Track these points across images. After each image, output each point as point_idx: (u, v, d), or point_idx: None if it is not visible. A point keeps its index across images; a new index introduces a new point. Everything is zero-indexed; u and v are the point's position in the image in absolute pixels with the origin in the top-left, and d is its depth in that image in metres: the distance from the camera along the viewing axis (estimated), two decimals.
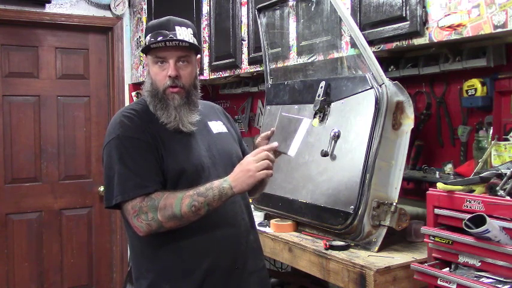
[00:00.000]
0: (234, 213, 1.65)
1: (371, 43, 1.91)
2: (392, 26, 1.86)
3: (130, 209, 1.51)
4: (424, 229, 1.54)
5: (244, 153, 1.77)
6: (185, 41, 1.58)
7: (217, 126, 1.75)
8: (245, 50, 2.82)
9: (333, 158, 1.90)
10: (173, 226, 1.50)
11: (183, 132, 1.61)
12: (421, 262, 1.56)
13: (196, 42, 1.64)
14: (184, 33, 1.59)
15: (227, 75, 3.04)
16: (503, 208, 1.34)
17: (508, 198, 1.38)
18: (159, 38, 1.56)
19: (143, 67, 3.60)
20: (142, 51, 1.64)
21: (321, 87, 2.01)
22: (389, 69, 2.14)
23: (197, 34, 1.83)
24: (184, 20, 1.66)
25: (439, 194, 1.52)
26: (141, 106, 1.65)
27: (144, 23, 3.56)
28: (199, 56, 1.71)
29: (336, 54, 2.14)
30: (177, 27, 1.59)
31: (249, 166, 1.47)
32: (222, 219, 1.62)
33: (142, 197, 1.50)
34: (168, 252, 1.58)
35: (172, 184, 1.55)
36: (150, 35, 1.61)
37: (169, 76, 1.58)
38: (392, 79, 1.90)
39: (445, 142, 2.15)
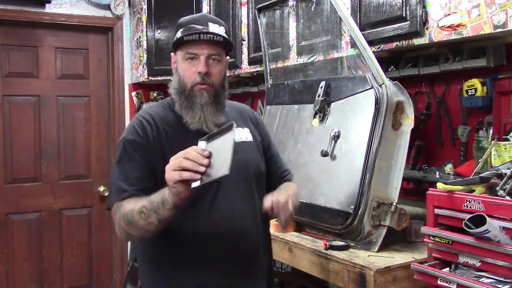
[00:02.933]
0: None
1: (371, 43, 1.91)
2: (392, 26, 1.86)
3: (112, 215, 1.50)
4: (424, 229, 1.54)
5: (271, 159, 1.73)
6: (220, 35, 1.53)
7: (242, 134, 1.65)
8: (245, 50, 2.83)
9: (333, 158, 1.90)
10: (139, 235, 1.46)
11: (206, 135, 1.48)
12: (421, 262, 1.56)
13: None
14: (217, 30, 1.55)
15: (227, 75, 3.04)
16: (503, 208, 1.34)
17: (508, 198, 1.38)
18: (191, 32, 1.52)
19: (143, 67, 3.60)
20: (173, 45, 1.59)
21: (321, 87, 2.01)
22: (389, 69, 2.14)
23: (229, 33, 1.77)
24: (217, 18, 1.64)
25: (439, 194, 1.52)
26: (162, 108, 1.62)
27: (144, 23, 3.56)
28: (228, 57, 1.66)
29: (336, 54, 2.14)
30: (210, 24, 1.56)
31: (170, 162, 1.31)
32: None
33: (120, 202, 1.47)
34: (166, 268, 1.55)
35: None
36: (182, 29, 1.56)
37: (199, 72, 1.53)
38: (393, 79, 1.90)
39: (445, 142, 2.15)
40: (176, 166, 1.27)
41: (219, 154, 1.29)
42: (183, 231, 1.51)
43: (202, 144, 1.35)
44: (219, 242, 1.52)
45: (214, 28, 1.55)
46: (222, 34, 1.54)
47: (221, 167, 1.27)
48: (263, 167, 1.67)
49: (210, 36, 1.51)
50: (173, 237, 1.51)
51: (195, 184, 1.30)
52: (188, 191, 1.30)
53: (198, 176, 1.27)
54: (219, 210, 1.53)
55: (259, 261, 1.62)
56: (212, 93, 1.56)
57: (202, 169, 1.26)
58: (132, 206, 1.41)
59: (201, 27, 1.54)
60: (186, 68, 1.56)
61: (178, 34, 1.56)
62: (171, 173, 1.28)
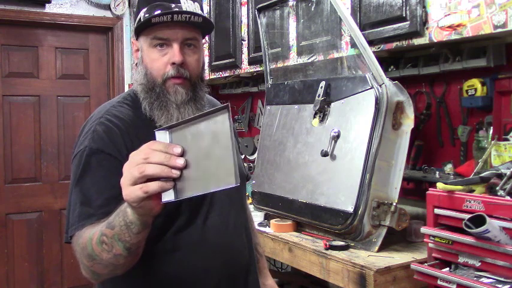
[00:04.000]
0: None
1: (371, 43, 1.91)
2: (392, 26, 1.86)
3: (74, 249, 1.15)
4: (424, 229, 1.54)
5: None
6: (198, 14, 1.20)
7: None
8: (245, 50, 2.82)
9: (333, 158, 1.90)
10: (108, 273, 1.09)
11: None
12: (421, 262, 1.56)
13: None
14: (192, 8, 1.21)
15: (227, 75, 3.04)
16: (503, 208, 1.34)
17: (508, 198, 1.38)
18: (159, 12, 1.18)
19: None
20: (136, 30, 1.25)
21: (321, 87, 2.01)
22: (389, 69, 2.14)
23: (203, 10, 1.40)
24: None
25: (439, 194, 1.52)
26: (128, 109, 1.27)
27: None
28: (205, 40, 1.38)
29: (336, 54, 2.14)
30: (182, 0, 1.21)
31: (124, 173, 0.93)
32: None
33: (80, 232, 1.13)
34: None
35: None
36: (145, 9, 1.22)
37: (173, 63, 1.21)
38: (393, 79, 1.90)
39: (445, 142, 2.15)
40: (135, 177, 0.89)
41: (201, 150, 0.89)
42: (164, 266, 1.20)
43: (161, 136, 0.93)
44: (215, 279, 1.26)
45: (188, 5, 1.21)
46: (200, 13, 1.22)
47: (213, 173, 0.87)
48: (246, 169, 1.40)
49: (185, 17, 1.18)
50: (151, 276, 1.20)
51: (167, 197, 0.90)
52: (159, 205, 0.94)
53: (169, 185, 0.89)
54: (212, 238, 1.25)
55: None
56: (190, 88, 1.25)
57: (176, 173, 0.88)
58: (90, 234, 1.06)
59: (172, 4, 1.20)
60: (154, 58, 1.23)
61: (142, 14, 1.22)
62: (129, 189, 0.90)
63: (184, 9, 1.19)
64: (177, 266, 1.22)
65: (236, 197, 1.35)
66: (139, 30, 1.25)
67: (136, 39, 1.29)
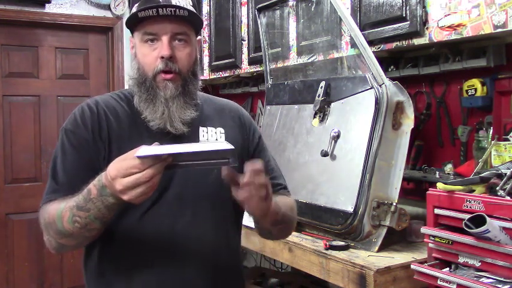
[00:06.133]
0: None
1: (371, 43, 1.91)
2: (392, 26, 1.86)
3: (39, 217, 1.27)
4: (424, 229, 1.54)
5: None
6: (183, 8, 1.22)
7: (210, 134, 1.35)
8: (245, 50, 2.82)
9: (333, 158, 1.90)
10: (75, 245, 1.22)
11: (170, 135, 1.26)
12: (421, 262, 1.56)
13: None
14: (181, 3, 1.25)
15: (227, 75, 3.05)
16: (503, 208, 1.34)
17: (508, 198, 1.38)
18: (145, 6, 1.22)
19: None
20: (128, 25, 1.29)
21: (321, 87, 2.01)
22: (389, 69, 2.14)
23: (197, 7, 1.46)
24: None
25: (439, 194, 1.52)
26: (113, 99, 1.32)
27: None
28: (199, 37, 1.36)
29: (336, 54, 2.14)
30: None
31: (115, 178, 1.02)
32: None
33: (46, 205, 1.26)
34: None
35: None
36: (137, 4, 1.27)
37: (162, 57, 1.23)
38: (393, 79, 1.90)
39: (445, 142, 2.15)
40: (132, 183, 1.01)
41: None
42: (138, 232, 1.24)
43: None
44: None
45: (177, 0, 1.24)
46: (187, 7, 1.23)
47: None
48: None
49: (171, 10, 1.21)
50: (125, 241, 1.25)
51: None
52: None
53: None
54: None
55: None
56: (179, 82, 1.26)
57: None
58: (58, 212, 1.16)
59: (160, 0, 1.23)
60: (145, 53, 1.26)
61: (134, 10, 1.26)
62: (128, 193, 1.02)
63: (172, 3, 1.22)
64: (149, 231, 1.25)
65: (205, 204, 1.29)
66: (132, 26, 1.28)
67: (132, 36, 1.33)
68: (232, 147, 1.01)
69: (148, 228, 1.24)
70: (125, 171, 1.00)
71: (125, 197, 1.02)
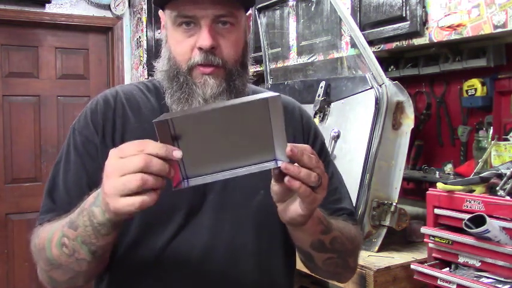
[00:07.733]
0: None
1: (371, 43, 1.91)
2: (392, 26, 1.86)
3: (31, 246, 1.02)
4: (424, 229, 1.54)
5: None
6: None
7: None
8: None
9: (333, 158, 1.90)
10: (67, 281, 0.95)
11: None
12: (421, 262, 1.56)
13: None
14: None
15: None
16: (503, 208, 1.34)
17: (508, 198, 1.38)
18: None
19: (143, 67, 3.60)
20: (155, 2, 1.02)
21: (321, 87, 2.01)
22: (389, 69, 2.14)
23: None
24: None
25: (439, 194, 1.52)
26: (138, 90, 1.07)
27: (144, 23, 3.56)
28: (250, 12, 1.06)
29: (336, 54, 2.14)
30: None
31: (109, 184, 0.74)
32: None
33: (38, 228, 1.01)
34: None
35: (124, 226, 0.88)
36: None
37: (200, 48, 0.95)
38: (393, 79, 1.89)
39: (445, 142, 2.15)
40: (131, 190, 0.72)
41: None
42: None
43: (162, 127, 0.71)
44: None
45: None
46: None
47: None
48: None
49: None
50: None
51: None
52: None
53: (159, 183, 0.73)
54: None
55: None
56: (223, 77, 0.98)
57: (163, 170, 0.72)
58: (49, 234, 0.91)
59: None
60: (178, 40, 0.98)
61: None
62: (119, 202, 0.73)
63: None
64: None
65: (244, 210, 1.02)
66: (162, 3, 0.99)
67: (163, 12, 1.03)
68: (277, 93, 0.71)
69: (173, 259, 0.98)
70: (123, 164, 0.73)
71: (111, 204, 0.74)
